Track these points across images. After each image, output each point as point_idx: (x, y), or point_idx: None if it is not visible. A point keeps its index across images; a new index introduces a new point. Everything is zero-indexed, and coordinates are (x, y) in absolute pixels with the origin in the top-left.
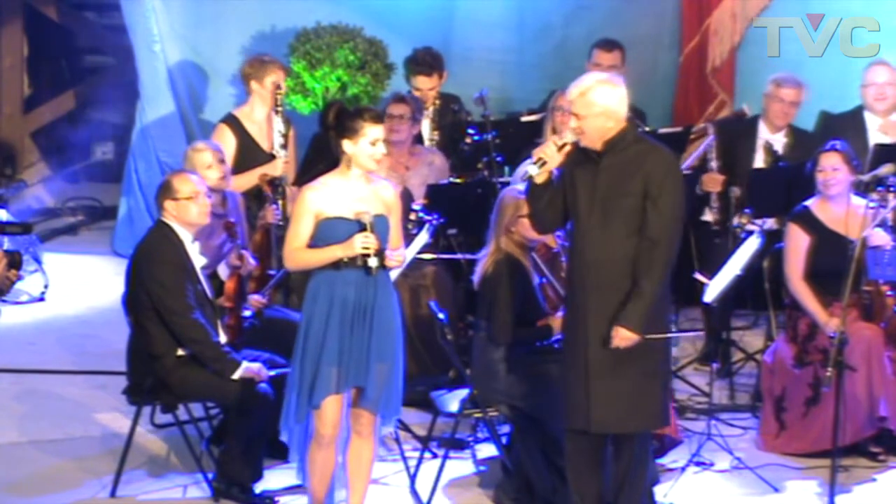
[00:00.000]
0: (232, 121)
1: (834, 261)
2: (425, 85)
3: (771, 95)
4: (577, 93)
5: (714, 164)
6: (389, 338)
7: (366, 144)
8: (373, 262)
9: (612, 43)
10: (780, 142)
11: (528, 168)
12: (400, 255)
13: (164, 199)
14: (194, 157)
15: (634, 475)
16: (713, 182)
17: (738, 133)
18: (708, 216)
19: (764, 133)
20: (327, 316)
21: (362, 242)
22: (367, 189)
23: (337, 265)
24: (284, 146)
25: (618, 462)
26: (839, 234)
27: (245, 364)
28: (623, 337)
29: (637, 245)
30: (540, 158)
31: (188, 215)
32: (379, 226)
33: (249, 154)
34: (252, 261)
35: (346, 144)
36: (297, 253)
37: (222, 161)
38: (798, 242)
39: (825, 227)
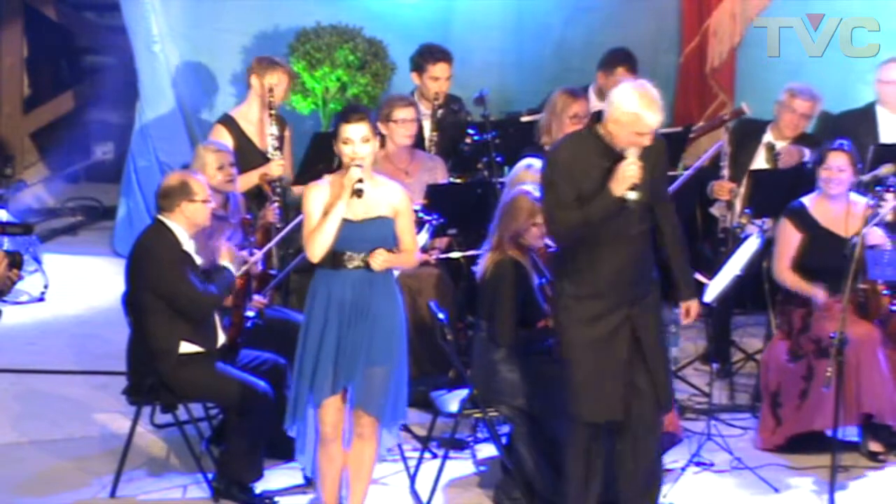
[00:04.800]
0: (228, 121)
1: (828, 259)
2: (445, 73)
3: (784, 104)
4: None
5: (725, 171)
6: (387, 341)
7: (340, 143)
8: (362, 184)
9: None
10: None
11: (629, 195)
12: (384, 258)
13: (180, 199)
14: (205, 157)
15: (658, 467)
16: (723, 190)
17: (744, 135)
18: (715, 210)
19: (769, 140)
20: (325, 315)
21: (356, 174)
22: (371, 189)
23: (336, 264)
24: (279, 148)
25: (637, 455)
26: (833, 233)
27: (226, 262)
28: (697, 309)
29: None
30: (635, 183)
31: (201, 217)
32: (378, 228)
33: (246, 154)
34: (259, 265)
35: (336, 144)
36: (311, 236)
37: (232, 164)
38: (788, 237)
39: (819, 225)
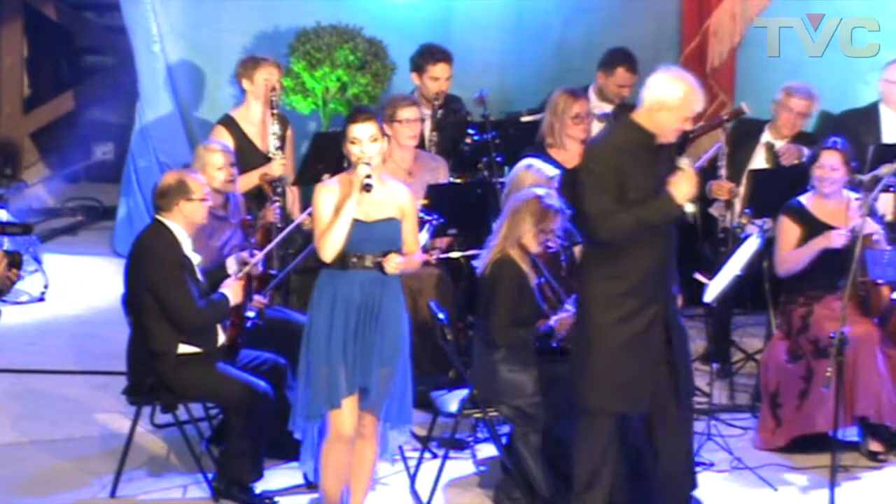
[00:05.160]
0: (228, 122)
1: (826, 255)
2: (445, 73)
3: (780, 103)
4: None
5: (723, 171)
6: (395, 342)
7: (349, 144)
8: (371, 179)
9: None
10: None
11: (688, 207)
12: (399, 261)
13: (179, 198)
14: (206, 157)
15: (691, 460)
16: (721, 189)
17: (742, 135)
18: (714, 210)
19: (767, 139)
20: (331, 316)
21: (364, 171)
22: (380, 191)
23: (345, 265)
24: (280, 147)
25: (667, 448)
26: (831, 227)
27: (228, 293)
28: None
29: None
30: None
31: (199, 215)
32: (388, 229)
33: (247, 155)
34: (259, 266)
35: (344, 146)
36: (323, 236)
37: (232, 164)
38: (787, 232)
39: (817, 220)
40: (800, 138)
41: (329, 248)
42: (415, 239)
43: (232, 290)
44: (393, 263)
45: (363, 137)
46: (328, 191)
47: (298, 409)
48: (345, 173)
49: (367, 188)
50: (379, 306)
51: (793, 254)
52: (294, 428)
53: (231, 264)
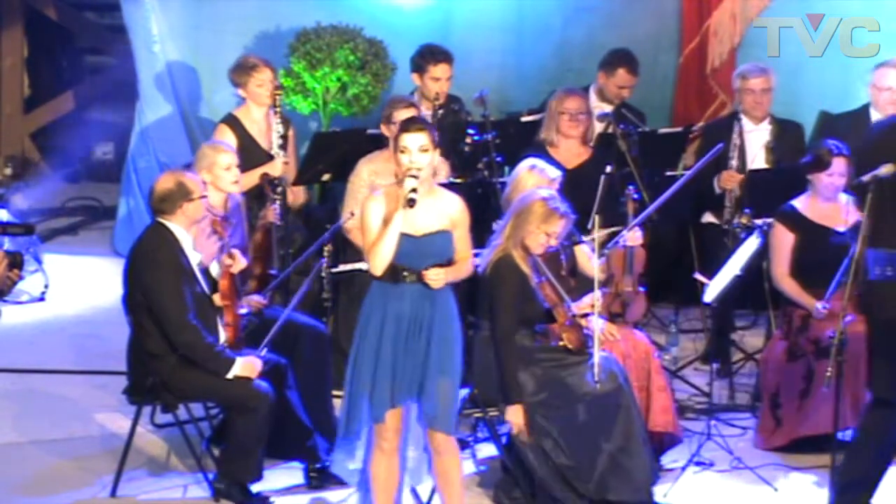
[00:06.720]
0: (232, 121)
1: (822, 253)
2: (446, 74)
3: (741, 89)
4: None
5: (734, 162)
6: (450, 352)
7: (398, 153)
8: (415, 194)
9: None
10: (765, 129)
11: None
12: (438, 275)
13: (181, 201)
14: (214, 156)
15: None
16: (732, 180)
17: (720, 131)
18: (711, 218)
19: (749, 127)
20: (381, 330)
21: (410, 185)
22: (429, 203)
23: (395, 278)
24: (283, 146)
25: None
26: (827, 227)
27: (239, 361)
28: None
29: None
30: None
31: (200, 212)
32: (438, 242)
33: (250, 154)
34: (242, 259)
35: (395, 155)
36: (371, 249)
37: (237, 165)
38: (782, 240)
39: (811, 221)
40: (782, 126)
41: (378, 262)
42: (466, 246)
43: (244, 366)
44: (432, 277)
45: (413, 147)
46: (376, 202)
47: (342, 424)
48: (392, 184)
49: (410, 203)
50: (430, 319)
51: (787, 284)
52: (342, 441)
53: (214, 268)
